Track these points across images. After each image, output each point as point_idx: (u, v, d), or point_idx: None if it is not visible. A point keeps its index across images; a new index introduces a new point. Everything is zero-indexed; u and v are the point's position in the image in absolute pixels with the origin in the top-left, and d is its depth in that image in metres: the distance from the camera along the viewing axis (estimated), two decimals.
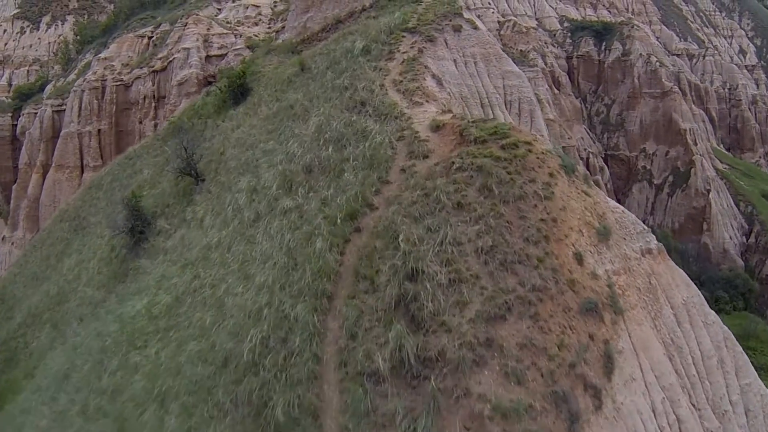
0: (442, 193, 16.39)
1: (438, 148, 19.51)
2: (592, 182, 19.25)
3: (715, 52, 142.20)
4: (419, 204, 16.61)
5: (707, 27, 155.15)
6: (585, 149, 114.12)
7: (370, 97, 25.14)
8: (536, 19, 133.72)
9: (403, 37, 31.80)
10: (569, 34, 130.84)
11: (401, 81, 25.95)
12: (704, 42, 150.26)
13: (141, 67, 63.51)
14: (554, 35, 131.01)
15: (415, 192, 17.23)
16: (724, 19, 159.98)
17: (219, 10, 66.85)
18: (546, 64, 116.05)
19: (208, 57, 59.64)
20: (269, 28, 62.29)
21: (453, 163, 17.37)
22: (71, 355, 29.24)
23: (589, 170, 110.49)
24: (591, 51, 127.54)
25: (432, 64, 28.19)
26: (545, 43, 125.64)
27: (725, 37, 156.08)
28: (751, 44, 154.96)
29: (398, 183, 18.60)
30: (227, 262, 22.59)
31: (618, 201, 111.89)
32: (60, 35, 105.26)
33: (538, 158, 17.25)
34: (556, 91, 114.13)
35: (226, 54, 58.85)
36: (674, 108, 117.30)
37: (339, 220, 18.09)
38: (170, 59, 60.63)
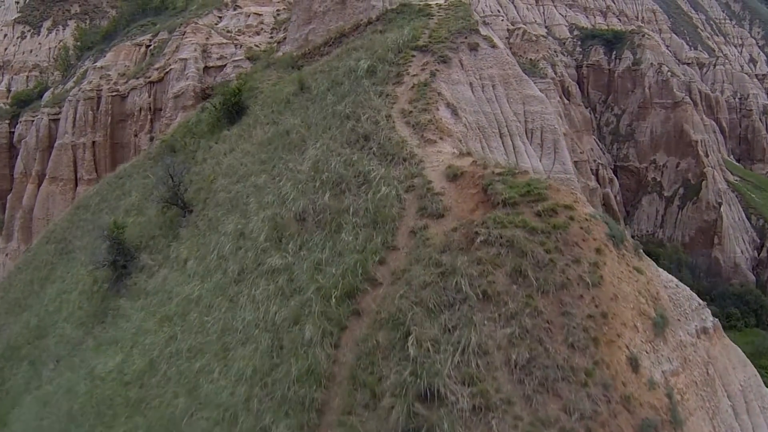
0: (463, 277, 12.83)
1: (456, 204, 15.98)
2: (642, 252, 15.63)
3: (726, 61, 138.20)
4: (434, 289, 13.07)
5: (717, 35, 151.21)
6: (595, 160, 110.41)
7: (375, 131, 21.66)
8: (546, 27, 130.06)
9: (413, 56, 28.30)
10: (579, 43, 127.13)
11: (411, 111, 22.44)
12: (714, 51, 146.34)
13: (137, 78, 60.08)
14: (564, 43, 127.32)
15: (428, 269, 13.72)
16: (734, 27, 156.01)
17: (219, 18, 63.38)
18: (556, 73, 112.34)
19: (206, 68, 56.16)
20: (271, 37, 58.76)
21: (476, 233, 13.85)
22: (41, 412, 26.19)
23: (598, 182, 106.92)
24: (601, 60, 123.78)
25: (446, 89, 24.66)
26: (555, 51, 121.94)
27: (735, 46, 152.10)
28: (762, 53, 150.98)
29: (407, 250, 15.10)
30: (206, 327, 19.12)
31: (627, 213, 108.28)
32: (61, 40, 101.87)
33: (581, 228, 13.73)
34: (566, 101, 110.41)
35: (225, 65, 55.37)
36: (685, 119, 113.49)
37: (334, 299, 14.53)
38: (167, 70, 57.20)
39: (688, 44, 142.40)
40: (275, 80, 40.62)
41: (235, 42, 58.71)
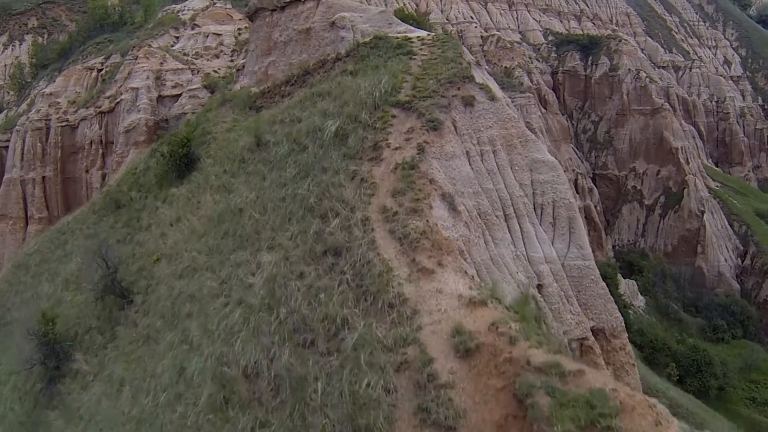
0: None
1: (472, 408, 10.28)
2: None
3: (701, 64, 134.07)
4: None
5: (692, 38, 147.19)
6: (574, 170, 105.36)
7: (348, 243, 15.93)
8: (519, 33, 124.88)
9: (394, 117, 22.55)
10: (554, 48, 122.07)
11: (395, 212, 16.72)
12: (689, 53, 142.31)
13: (87, 107, 53.64)
14: (539, 49, 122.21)
15: None
16: (708, 29, 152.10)
17: (176, 38, 57.00)
18: (532, 81, 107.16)
19: (160, 97, 49.92)
20: (231, 61, 52.59)
21: None
22: None
23: (577, 191, 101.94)
24: (577, 66, 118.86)
25: (439, 171, 19.00)
26: (529, 58, 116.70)
27: (710, 48, 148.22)
28: (736, 54, 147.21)
29: None
30: None
31: (607, 222, 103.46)
32: (17, 57, 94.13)
33: None
34: (543, 110, 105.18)
35: (180, 94, 49.07)
36: (665, 126, 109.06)
37: None
38: (117, 100, 50.86)
39: (663, 47, 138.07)
40: (230, 124, 34.60)
41: (192, 67, 52.44)
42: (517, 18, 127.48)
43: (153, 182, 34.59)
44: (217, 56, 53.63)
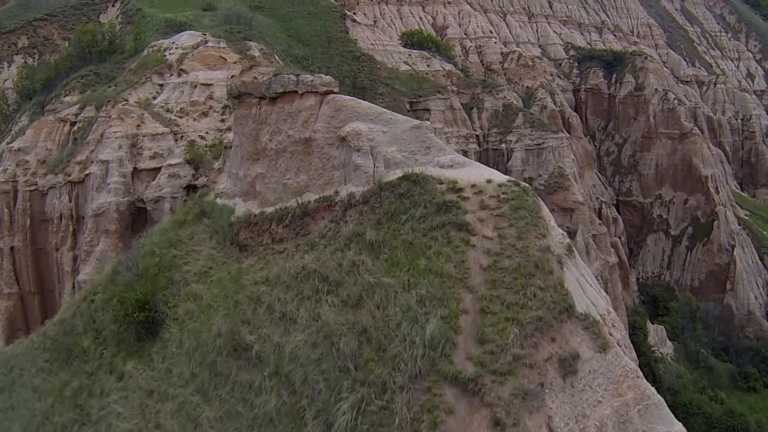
0: None
1: None
2: None
3: (726, 79, 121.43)
4: None
5: (714, 49, 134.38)
6: (597, 198, 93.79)
7: None
8: (540, 47, 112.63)
9: (448, 412, 11.50)
10: (576, 64, 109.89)
11: None
12: (712, 66, 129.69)
13: (56, 173, 42.76)
14: (560, 65, 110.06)
15: None
16: (730, 40, 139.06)
17: (160, 86, 45.86)
18: (555, 103, 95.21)
19: (136, 171, 39.10)
20: (222, 121, 41.43)
21: None
22: None
23: (600, 218, 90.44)
24: (600, 84, 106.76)
25: None
26: (551, 75, 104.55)
27: (732, 60, 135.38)
28: (759, 67, 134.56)
29: None
30: None
31: (630, 252, 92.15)
32: (5, 80, 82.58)
33: None
34: (567, 134, 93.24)
35: (159, 169, 38.06)
36: (694, 152, 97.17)
37: None
38: (87, 172, 39.76)
39: (685, 59, 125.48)
40: (204, 264, 23.70)
41: (174, 129, 41.40)
42: (537, 30, 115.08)
43: (111, 329, 23.99)
44: (205, 114, 42.45)
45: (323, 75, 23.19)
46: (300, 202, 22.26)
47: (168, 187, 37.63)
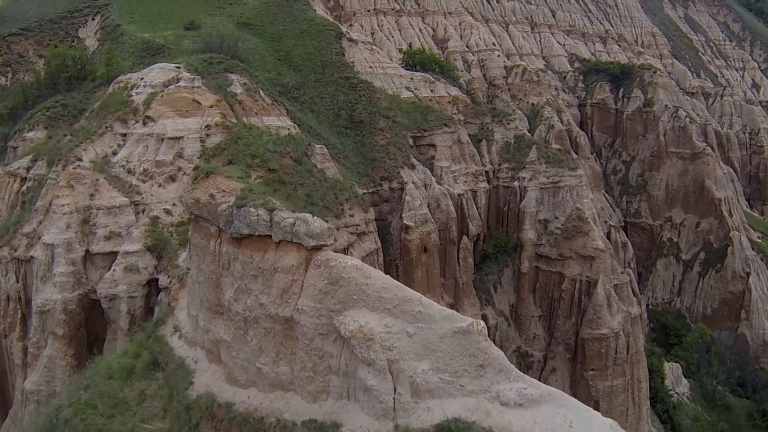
0: None
1: None
2: None
3: (733, 91, 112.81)
4: None
5: (718, 58, 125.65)
6: (605, 221, 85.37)
7: None
8: (543, 58, 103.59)
9: None
10: (581, 77, 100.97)
11: None
12: (717, 76, 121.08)
13: (1, 245, 33.73)
14: (564, 78, 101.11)
15: None
16: (735, 49, 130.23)
17: (123, 137, 36.96)
18: (563, 121, 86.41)
19: (89, 254, 30.18)
20: (195, 187, 32.26)
21: None
22: None
23: (609, 239, 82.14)
24: (607, 98, 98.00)
25: None
26: (556, 89, 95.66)
27: (737, 70, 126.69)
28: (764, 77, 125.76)
29: None
30: None
31: (639, 276, 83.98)
32: None
33: None
34: (575, 156, 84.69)
35: (116, 255, 29.35)
36: (707, 173, 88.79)
37: None
38: (31, 253, 31.00)
39: (690, 69, 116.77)
40: None
41: (136, 200, 32.55)
42: (540, 41, 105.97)
43: None
44: (172, 178, 33.60)
45: (310, 217, 14.51)
46: (280, 421, 13.64)
47: (124, 283, 28.88)
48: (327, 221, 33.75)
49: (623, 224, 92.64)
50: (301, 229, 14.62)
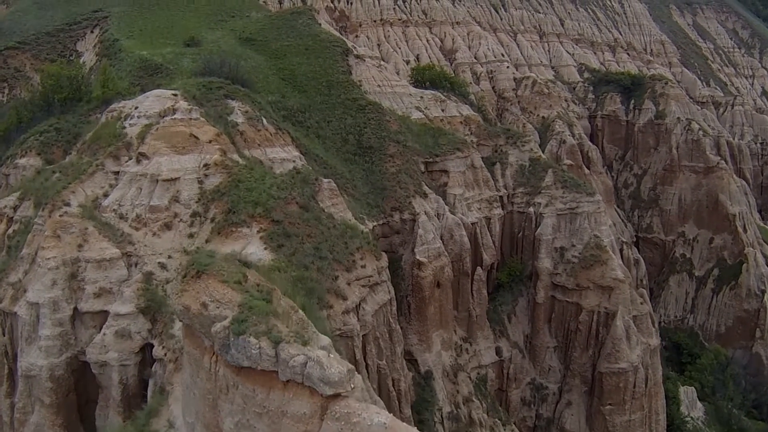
0: None
1: None
2: None
3: (743, 101, 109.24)
4: None
5: (727, 66, 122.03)
6: (618, 237, 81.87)
7: None
8: (553, 68, 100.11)
9: None
10: (591, 88, 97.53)
11: None
12: (726, 85, 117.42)
13: None
14: (574, 89, 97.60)
15: None
16: (743, 56, 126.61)
17: (115, 176, 33.68)
18: (574, 135, 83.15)
19: (77, 312, 27.07)
20: (190, 236, 29.42)
21: None
22: None
23: (622, 257, 78.83)
24: (618, 110, 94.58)
25: None
26: (566, 101, 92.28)
27: (746, 77, 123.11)
28: None
29: None
30: None
31: (651, 293, 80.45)
32: None
33: None
34: (586, 171, 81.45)
35: (106, 315, 26.23)
36: (721, 187, 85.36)
37: None
38: (15, 309, 27.87)
39: (699, 78, 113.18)
40: None
41: (128, 250, 29.35)
42: (549, 51, 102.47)
43: None
44: (168, 226, 30.31)
45: (325, 357, 11.32)
46: None
47: (116, 350, 25.65)
48: (337, 276, 30.57)
49: (635, 239, 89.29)
50: (315, 372, 11.50)
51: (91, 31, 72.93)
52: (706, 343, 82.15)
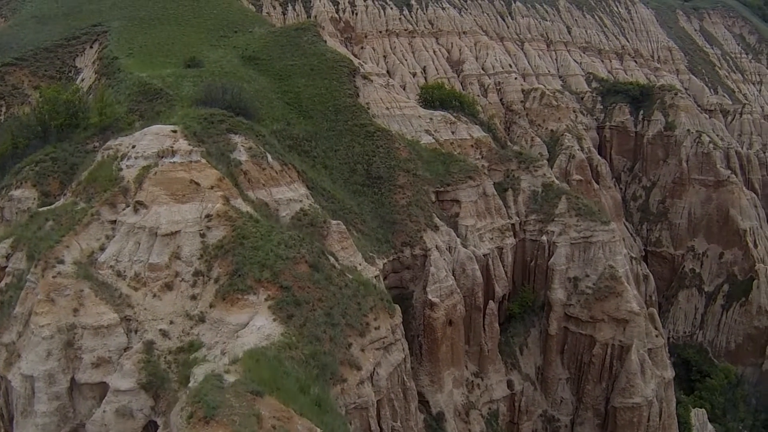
0: None
1: None
2: None
3: (752, 109, 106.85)
4: None
5: (735, 72, 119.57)
6: (626, 253, 79.69)
7: None
8: (560, 77, 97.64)
9: None
10: (600, 98, 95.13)
11: None
12: (734, 92, 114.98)
13: None
14: (582, 98, 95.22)
15: None
16: (751, 62, 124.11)
17: (112, 226, 31.50)
18: (583, 149, 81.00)
19: (75, 383, 25.23)
20: (193, 297, 27.35)
21: None
22: None
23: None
24: (626, 121, 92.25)
25: None
26: (574, 112, 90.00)
27: (754, 84, 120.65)
28: None
29: None
30: None
31: (659, 307, 78.32)
32: None
33: None
34: (596, 186, 79.31)
35: (106, 387, 24.38)
36: (731, 201, 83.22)
37: None
38: (9, 377, 25.99)
39: (707, 85, 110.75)
40: None
41: (127, 315, 27.31)
42: (556, 60, 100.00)
43: None
44: (168, 287, 28.18)
45: None
46: None
47: (116, 430, 23.72)
48: (351, 343, 28.54)
49: (643, 253, 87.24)
50: None
51: (91, 47, 70.41)
52: (716, 360, 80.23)
